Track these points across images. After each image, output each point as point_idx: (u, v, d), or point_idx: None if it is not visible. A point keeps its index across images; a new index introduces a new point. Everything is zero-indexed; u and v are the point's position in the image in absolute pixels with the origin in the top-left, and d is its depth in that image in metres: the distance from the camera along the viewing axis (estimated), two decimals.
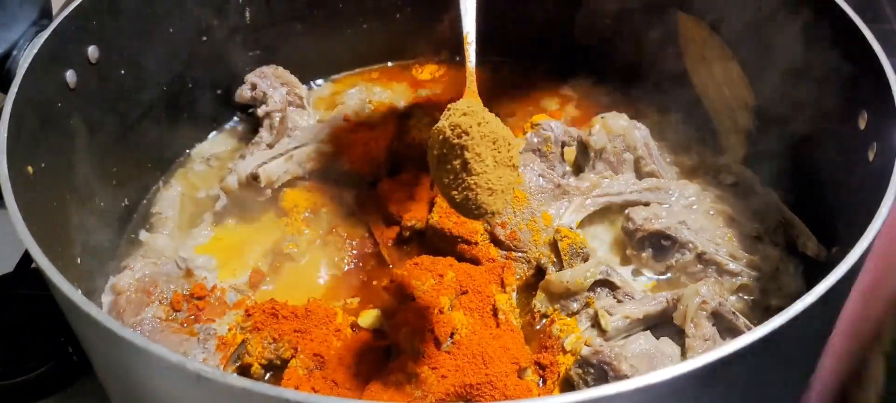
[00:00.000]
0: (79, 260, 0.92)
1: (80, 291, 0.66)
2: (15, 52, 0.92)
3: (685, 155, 1.12)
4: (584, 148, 1.06)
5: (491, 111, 0.77)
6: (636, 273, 0.98)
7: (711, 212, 1.02)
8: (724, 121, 1.13)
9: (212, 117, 1.19)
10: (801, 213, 0.99)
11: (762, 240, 0.99)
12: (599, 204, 1.02)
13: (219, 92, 1.18)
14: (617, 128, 1.05)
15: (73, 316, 0.70)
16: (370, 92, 1.26)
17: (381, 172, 1.08)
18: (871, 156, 0.83)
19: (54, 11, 0.99)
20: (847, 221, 0.87)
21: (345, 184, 1.08)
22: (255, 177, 1.04)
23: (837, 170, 0.93)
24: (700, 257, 0.96)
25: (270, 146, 1.09)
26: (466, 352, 0.81)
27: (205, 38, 1.12)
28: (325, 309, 0.89)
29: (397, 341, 0.84)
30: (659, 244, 0.97)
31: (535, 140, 1.05)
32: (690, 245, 0.96)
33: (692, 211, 1.02)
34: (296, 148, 1.08)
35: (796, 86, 1.00)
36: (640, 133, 1.06)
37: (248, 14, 1.16)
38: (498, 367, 0.80)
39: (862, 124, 0.86)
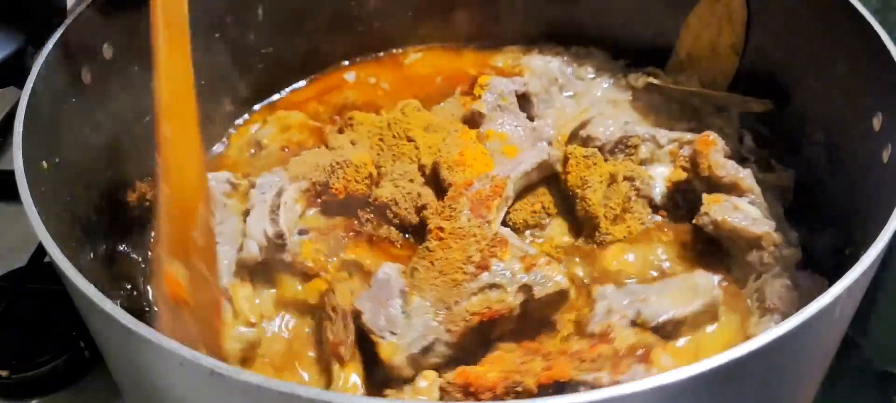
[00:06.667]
0: (91, 255, 0.92)
1: (93, 286, 0.66)
2: (30, 48, 0.92)
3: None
4: (523, 96, 1.12)
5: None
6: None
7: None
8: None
9: (225, 115, 1.19)
10: (813, 214, 0.98)
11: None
12: (576, 123, 1.09)
13: (232, 88, 1.18)
14: (537, 67, 1.18)
15: (87, 311, 0.70)
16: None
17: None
18: (885, 158, 0.82)
19: (69, 8, 0.99)
20: (861, 223, 0.87)
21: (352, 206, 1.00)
22: (279, 235, 0.93)
23: (851, 172, 0.92)
24: (653, 139, 1.04)
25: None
26: None
27: (217, 35, 1.12)
28: None
29: None
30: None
31: (492, 98, 1.08)
32: (648, 135, 1.04)
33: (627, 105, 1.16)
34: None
35: (810, 88, 0.99)
36: (554, 64, 1.19)
37: (260, 11, 1.16)
38: None
39: (876, 125, 0.86)
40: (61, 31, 0.88)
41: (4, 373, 1.03)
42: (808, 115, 0.99)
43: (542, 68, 1.21)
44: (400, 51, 1.31)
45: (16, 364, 1.03)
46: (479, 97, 1.09)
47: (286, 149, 1.10)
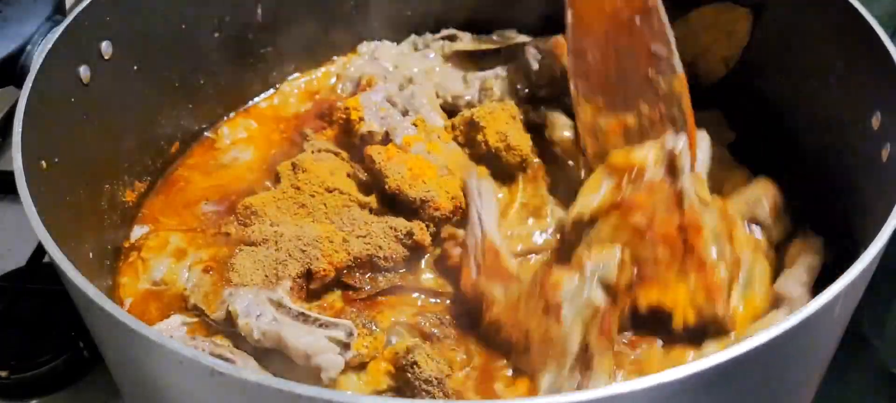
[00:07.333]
0: (90, 255, 0.92)
1: (93, 286, 0.66)
2: (29, 47, 0.92)
3: None
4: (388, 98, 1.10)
5: None
6: None
7: None
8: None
9: (223, 115, 1.20)
10: (811, 214, 0.98)
11: None
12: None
13: (231, 90, 1.18)
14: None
15: (87, 310, 0.70)
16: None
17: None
18: (884, 157, 0.82)
19: (68, 6, 0.99)
20: (860, 222, 0.87)
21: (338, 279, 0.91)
22: (349, 333, 0.82)
23: (849, 171, 0.93)
24: (495, 76, 1.11)
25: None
26: None
27: (216, 34, 1.12)
28: None
29: None
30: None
31: (373, 114, 1.04)
32: (491, 74, 1.11)
33: None
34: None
35: (808, 87, 1.00)
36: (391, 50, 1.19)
37: (259, 10, 1.16)
38: None
39: (875, 125, 0.86)
40: (61, 31, 0.88)
41: (4, 373, 1.03)
42: (807, 114, 0.99)
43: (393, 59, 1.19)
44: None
45: (15, 365, 1.03)
46: (360, 120, 1.03)
47: (211, 270, 0.93)
